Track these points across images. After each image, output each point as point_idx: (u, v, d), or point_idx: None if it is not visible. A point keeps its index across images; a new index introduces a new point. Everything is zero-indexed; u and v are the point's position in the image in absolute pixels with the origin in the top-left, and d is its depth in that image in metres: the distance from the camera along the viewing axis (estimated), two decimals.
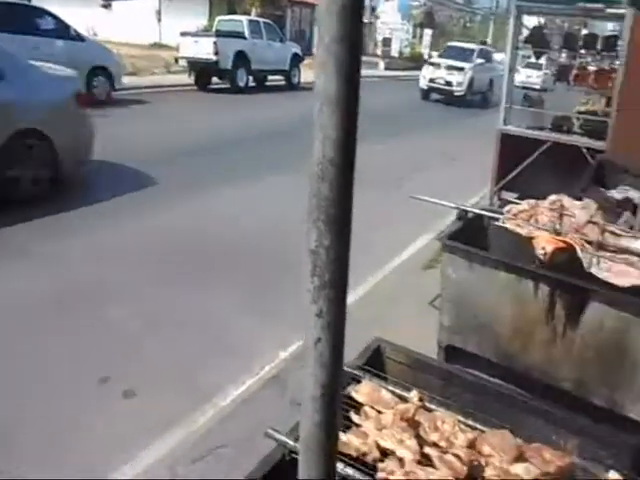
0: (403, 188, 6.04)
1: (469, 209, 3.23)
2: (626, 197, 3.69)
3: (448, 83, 16.58)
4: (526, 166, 6.04)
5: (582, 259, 2.38)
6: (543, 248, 2.45)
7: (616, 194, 3.82)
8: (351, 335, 1.99)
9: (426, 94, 17.12)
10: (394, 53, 31.65)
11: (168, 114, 10.28)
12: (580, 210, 2.81)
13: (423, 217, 4.86)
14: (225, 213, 5.28)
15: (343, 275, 0.82)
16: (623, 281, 2.22)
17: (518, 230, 2.71)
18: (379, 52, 31.90)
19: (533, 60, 16.71)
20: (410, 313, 3.46)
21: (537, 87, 17.56)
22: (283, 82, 15.91)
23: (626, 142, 4.78)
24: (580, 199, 3.76)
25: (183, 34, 14.58)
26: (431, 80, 16.80)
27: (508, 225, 2.81)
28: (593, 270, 2.33)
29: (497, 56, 19.36)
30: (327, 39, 0.71)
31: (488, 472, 1.30)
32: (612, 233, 2.63)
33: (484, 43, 20.61)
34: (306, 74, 16.73)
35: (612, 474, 1.29)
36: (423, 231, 5.04)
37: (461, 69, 16.60)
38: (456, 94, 16.58)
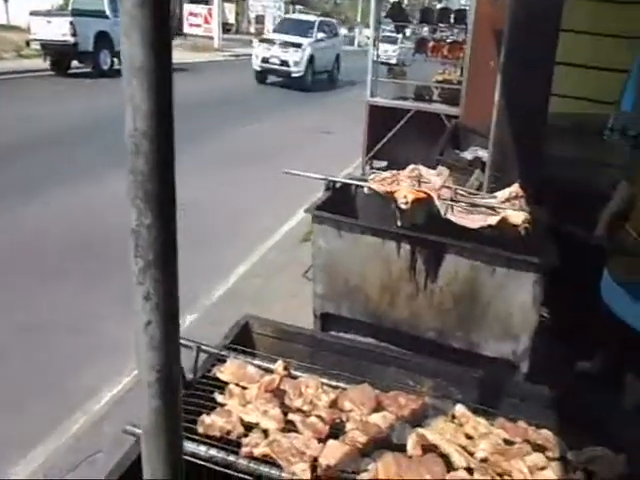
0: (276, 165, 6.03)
1: (336, 179, 3.30)
2: (476, 156, 4.03)
3: (284, 63, 14.00)
4: (394, 134, 6.35)
5: (439, 207, 2.57)
6: (405, 197, 2.61)
7: (468, 155, 4.17)
8: (233, 313, 1.92)
9: (262, 77, 14.51)
10: (267, 31, 31.28)
11: (16, 102, 9.19)
12: (435, 177, 3.03)
13: (303, 191, 4.91)
14: (79, 210, 4.84)
15: (170, 254, 0.77)
16: (473, 223, 2.45)
17: (382, 188, 2.83)
18: (252, 30, 31.28)
19: (390, 34, 15.99)
20: (289, 286, 3.49)
21: (393, 62, 16.16)
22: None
23: (475, 107, 5.21)
24: (438, 162, 4.05)
25: (33, 13, 12.98)
26: (264, 60, 14.15)
27: (374, 185, 2.93)
28: (449, 216, 2.53)
29: (367, 32, 19.46)
30: (129, 4, 0.65)
31: (349, 426, 1.34)
32: (462, 195, 2.89)
33: (326, 15, 19.88)
34: (178, 54, 15.91)
35: (459, 407, 1.40)
36: (304, 204, 5.09)
37: (298, 45, 14.18)
38: (294, 75, 14.09)
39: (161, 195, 0.72)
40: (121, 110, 0.68)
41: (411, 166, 3.12)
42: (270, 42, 14.51)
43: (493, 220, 2.40)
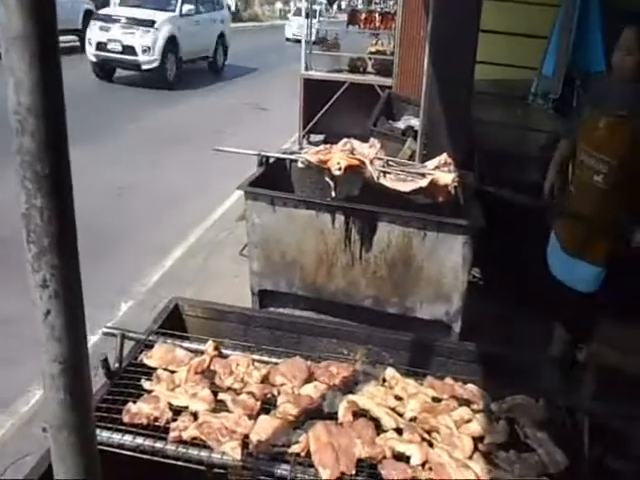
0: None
1: (269, 154, 3.23)
2: (409, 125, 4.07)
3: (128, 49, 9.44)
4: (330, 107, 6.31)
5: (372, 172, 2.58)
6: (338, 163, 2.61)
7: (401, 124, 4.20)
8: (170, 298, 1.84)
9: (102, 70, 9.81)
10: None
11: None
12: (368, 149, 3.04)
13: (242, 170, 4.81)
14: None
15: (67, 237, 0.72)
16: (405, 187, 2.48)
17: (315, 157, 2.81)
18: None
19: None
20: (228, 266, 3.43)
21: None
22: (77, 43, 13.84)
23: (406, 77, 5.27)
24: (372, 132, 4.06)
25: None
26: (101, 46, 9.51)
27: (307, 155, 2.90)
28: (382, 181, 2.55)
29: (301, 4, 17.88)
30: None
31: (280, 400, 1.33)
32: (394, 165, 2.92)
33: None
34: None
35: (389, 371, 1.42)
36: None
37: (149, 24, 9.65)
38: (145, 67, 9.55)
39: (53, 175, 0.67)
40: None
41: (344, 140, 3.12)
42: (109, 20, 9.88)
43: (424, 182, 2.44)
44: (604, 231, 2.23)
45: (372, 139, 3.25)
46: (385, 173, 2.67)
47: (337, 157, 2.74)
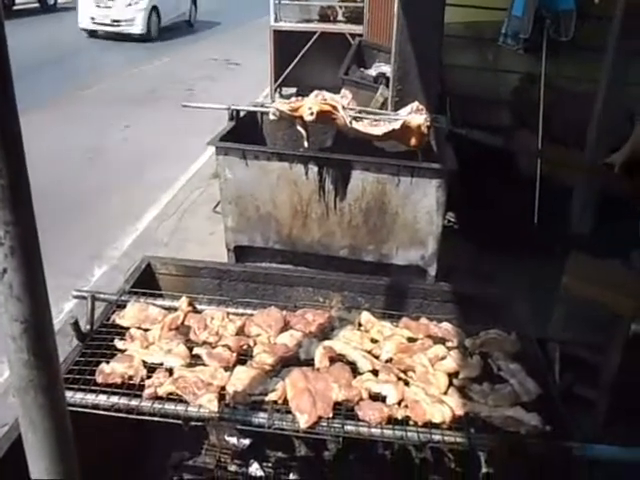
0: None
1: (240, 108, 3.12)
2: (380, 72, 3.97)
3: None
4: (301, 58, 6.11)
5: (344, 118, 2.52)
6: (310, 109, 2.54)
7: (372, 71, 4.09)
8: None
9: None
10: None
11: None
12: (340, 99, 2.96)
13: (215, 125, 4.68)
14: None
15: (20, 190, 0.67)
16: (378, 131, 2.44)
17: (286, 106, 2.73)
18: None
19: None
20: (204, 224, 3.38)
21: (135, 30, 9.66)
22: (36, 4, 13.03)
23: (377, 23, 5.10)
24: (343, 81, 3.95)
25: None
26: None
27: (278, 105, 2.81)
28: (354, 125, 2.49)
29: None
30: None
31: (257, 350, 1.32)
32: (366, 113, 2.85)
33: None
34: None
35: (364, 315, 1.42)
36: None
37: None
38: None
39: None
40: None
41: (315, 92, 3.03)
42: None
43: (396, 124, 2.40)
44: None
45: (344, 90, 3.17)
46: (357, 119, 2.61)
47: (309, 103, 2.67)
